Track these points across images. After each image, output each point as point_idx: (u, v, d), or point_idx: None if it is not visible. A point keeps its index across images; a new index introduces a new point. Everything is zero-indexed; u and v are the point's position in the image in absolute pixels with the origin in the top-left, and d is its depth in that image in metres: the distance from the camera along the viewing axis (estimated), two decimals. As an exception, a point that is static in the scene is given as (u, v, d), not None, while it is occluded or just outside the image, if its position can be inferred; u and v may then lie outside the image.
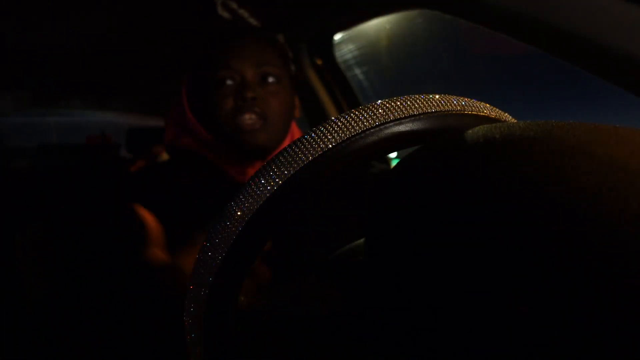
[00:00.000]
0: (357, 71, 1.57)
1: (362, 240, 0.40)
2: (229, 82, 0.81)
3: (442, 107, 0.32)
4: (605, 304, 0.17)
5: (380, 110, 0.30)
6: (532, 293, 0.19)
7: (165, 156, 0.93)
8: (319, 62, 1.45)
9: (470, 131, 0.26)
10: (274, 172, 0.29)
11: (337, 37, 1.42)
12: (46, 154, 2.63)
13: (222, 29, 0.87)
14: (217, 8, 0.86)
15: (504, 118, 0.35)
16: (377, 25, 1.47)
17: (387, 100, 0.31)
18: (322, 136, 0.29)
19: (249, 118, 0.80)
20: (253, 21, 0.88)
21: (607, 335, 0.17)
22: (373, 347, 0.30)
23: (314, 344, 0.37)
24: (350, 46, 1.52)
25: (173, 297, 0.60)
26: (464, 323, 0.21)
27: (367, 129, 0.30)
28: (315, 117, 1.50)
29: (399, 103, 0.31)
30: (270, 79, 0.83)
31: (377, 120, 0.30)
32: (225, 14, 0.86)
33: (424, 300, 0.23)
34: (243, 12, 0.86)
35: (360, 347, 0.34)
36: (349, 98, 1.47)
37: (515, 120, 0.36)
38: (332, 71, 1.47)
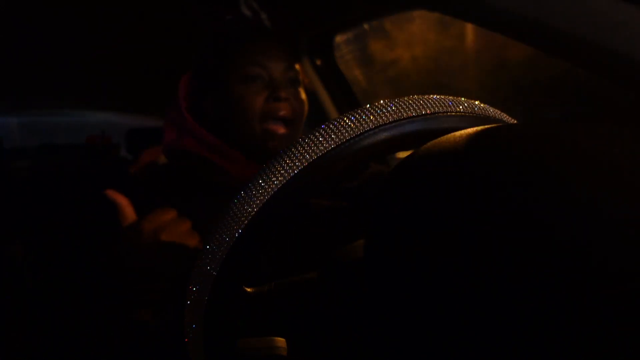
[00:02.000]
0: (357, 71, 1.57)
1: (362, 239, 0.40)
2: (258, 79, 0.81)
3: (444, 109, 0.32)
4: (604, 303, 0.17)
5: (385, 110, 0.30)
6: (532, 293, 0.19)
7: (162, 159, 0.93)
8: (319, 62, 1.45)
9: (470, 132, 0.26)
10: (282, 168, 0.29)
11: (337, 37, 1.42)
12: (46, 154, 2.63)
13: (242, 26, 0.87)
14: (241, 5, 0.86)
15: (504, 119, 0.35)
16: (377, 25, 1.47)
17: (392, 100, 0.31)
18: (332, 133, 0.30)
19: (278, 126, 0.80)
20: (268, 24, 0.88)
21: (607, 337, 0.17)
22: (373, 345, 0.30)
23: (314, 342, 0.37)
24: (350, 46, 1.52)
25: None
26: (463, 323, 0.21)
27: (370, 129, 0.30)
28: (315, 117, 1.49)
29: (403, 104, 0.31)
30: (296, 81, 0.85)
31: (380, 120, 0.30)
32: (247, 12, 0.86)
33: (423, 299, 0.23)
34: (263, 14, 0.87)
35: (360, 346, 0.34)
36: (349, 98, 1.47)
37: (515, 121, 0.36)
38: (332, 71, 1.46)
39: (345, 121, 0.30)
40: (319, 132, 0.30)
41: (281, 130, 0.81)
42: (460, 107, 0.32)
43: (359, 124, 0.30)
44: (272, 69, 0.81)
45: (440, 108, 0.31)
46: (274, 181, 0.29)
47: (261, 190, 0.29)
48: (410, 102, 0.31)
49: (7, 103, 2.52)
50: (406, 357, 0.25)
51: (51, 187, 1.86)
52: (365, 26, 1.36)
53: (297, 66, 0.86)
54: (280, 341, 0.36)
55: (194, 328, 0.32)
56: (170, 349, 0.63)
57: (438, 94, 0.33)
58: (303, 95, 0.86)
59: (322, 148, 0.29)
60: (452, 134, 0.28)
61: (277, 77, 0.82)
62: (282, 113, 0.80)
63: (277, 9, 0.88)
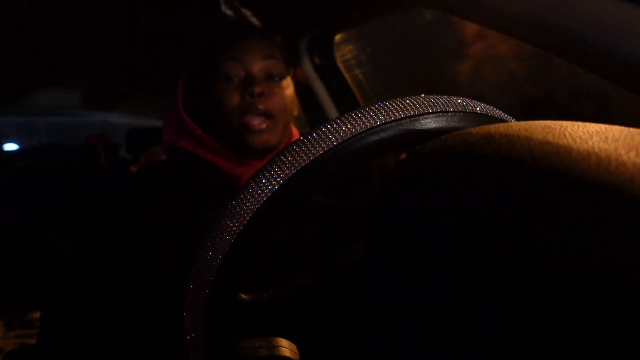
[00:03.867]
0: (357, 71, 1.57)
1: (361, 240, 0.40)
2: (234, 76, 0.81)
3: (444, 108, 0.32)
4: (604, 307, 0.17)
5: (382, 111, 0.30)
6: (532, 293, 0.19)
7: (162, 159, 0.93)
8: (319, 62, 1.45)
9: (470, 132, 0.26)
10: (275, 172, 0.29)
11: (337, 37, 1.42)
12: (46, 154, 2.63)
13: (226, 25, 0.88)
14: (221, 5, 0.86)
15: (504, 118, 0.35)
16: (377, 25, 1.47)
17: (390, 100, 0.31)
18: (324, 135, 0.29)
19: (256, 119, 0.79)
20: (255, 21, 0.88)
21: (607, 337, 0.17)
22: (373, 346, 0.30)
23: (314, 343, 0.37)
24: (350, 46, 1.52)
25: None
26: (463, 323, 0.21)
27: (367, 130, 0.30)
28: (315, 117, 1.50)
29: (402, 103, 0.31)
30: (275, 76, 0.83)
31: (377, 121, 0.30)
32: (229, 12, 0.86)
33: (423, 300, 0.23)
34: (245, 11, 0.87)
35: (360, 346, 0.34)
36: (349, 98, 1.47)
37: (515, 121, 0.36)
38: (332, 71, 1.47)
39: (341, 122, 0.30)
40: (311, 136, 0.30)
41: (260, 124, 0.80)
42: (460, 106, 0.32)
43: (356, 125, 0.30)
44: (249, 64, 0.81)
45: (440, 108, 0.31)
46: (267, 186, 0.29)
47: (253, 198, 0.29)
48: (409, 101, 0.31)
49: (7, 103, 2.52)
50: (406, 357, 0.25)
51: (51, 187, 1.86)
52: (365, 26, 1.36)
53: (280, 59, 0.85)
54: (281, 341, 0.36)
55: (193, 336, 0.32)
56: (171, 353, 0.63)
57: (438, 94, 0.33)
58: (285, 89, 0.85)
59: (314, 151, 0.29)
60: (452, 133, 0.28)
61: (253, 71, 0.81)
62: (258, 107, 0.79)
63: (275, 4, 0.88)
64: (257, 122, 0.79)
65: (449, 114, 0.32)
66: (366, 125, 0.30)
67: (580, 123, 0.24)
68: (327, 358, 0.37)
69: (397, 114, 0.30)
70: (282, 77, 0.85)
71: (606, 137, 0.22)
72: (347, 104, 1.46)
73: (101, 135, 2.76)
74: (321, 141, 0.29)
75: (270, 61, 0.83)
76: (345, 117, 0.30)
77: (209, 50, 0.86)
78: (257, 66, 0.82)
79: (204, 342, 0.32)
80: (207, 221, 0.69)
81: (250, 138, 0.80)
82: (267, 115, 0.80)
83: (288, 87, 0.86)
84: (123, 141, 2.51)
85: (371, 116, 0.30)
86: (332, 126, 0.30)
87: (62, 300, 0.73)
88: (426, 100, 0.31)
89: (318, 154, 0.29)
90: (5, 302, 1.55)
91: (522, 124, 0.25)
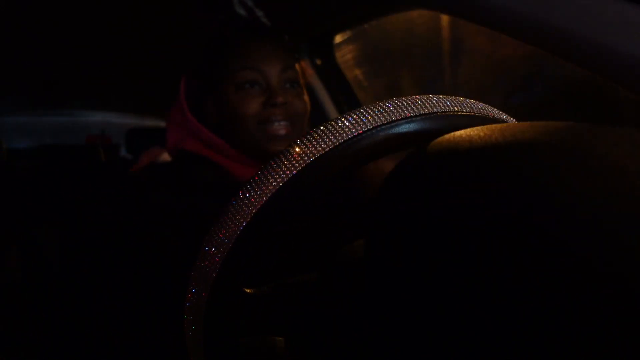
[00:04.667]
0: (357, 71, 1.57)
1: (362, 239, 0.40)
2: (252, 84, 0.80)
3: (444, 108, 0.32)
4: (604, 308, 0.17)
5: (386, 110, 0.30)
6: (532, 293, 0.19)
7: (163, 159, 0.92)
8: (319, 62, 1.45)
9: (469, 131, 0.26)
10: (285, 165, 0.29)
11: (337, 37, 1.42)
12: (46, 154, 2.63)
13: (236, 27, 0.86)
14: (234, 5, 0.85)
15: (505, 119, 0.35)
16: (377, 25, 1.47)
17: (395, 99, 0.31)
18: (330, 133, 0.30)
19: (279, 126, 0.79)
20: (267, 21, 0.87)
21: (606, 337, 0.17)
22: (373, 345, 0.30)
23: (314, 342, 0.37)
24: (350, 46, 1.52)
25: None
26: (463, 323, 0.21)
27: (364, 132, 0.30)
28: (315, 118, 1.50)
29: (403, 103, 0.31)
30: (293, 82, 0.83)
31: (379, 121, 0.30)
32: (242, 12, 0.85)
33: (423, 299, 0.23)
34: (259, 11, 0.85)
35: (360, 346, 0.34)
36: (349, 98, 1.47)
37: (516, 121, 0.36)
38: (332, 71, 1.47)
39: (343, 122, 0.30)
40: (317, 133, 0.30)
41: (283, 131, 0.80)
42: (459, 106, 0.32)
43: (357, 125, 0.30)
44: (267, 72, 0.80)
45: (439, 108, 0.31)
46: (271, 182, 0.29)
47: (259, 191, 0.29)
48: (409, 102, 0.31)
49: (7, 103, 2.53)
50: (406, 357, 0.25)
51: (51, 187, 1.85)
52: (365, 26, 1.36)
53: (295, 64, 0.84)
54: (281, 341, 0.36)
55: (194, 329, 0.32)
56: (171, 349, 0.63)
57: (438, 94, 0.33)
58: (302, 94, 0.85)
59: (320, 149, 0.29)
60: (452, 133, 0.28)
61: (273, 80, 0.80)
62: (280, 118, 0.79)
63: (275, 5, 0.87)
64: (277, 127, 0.80)
65: (449, 114, 0.32)
66: (367, 125, 0.30)
67: (583, 123, 0.24)
68: (326, 356, 0.37)
69: (397, 114, 0.30)
70: (298, 83, 0.84)
71: (607, 137, 0.22)
72: (347, 104, 1.46)
73: (101, 135, 2.76)
74: (332, 135, 0.29)
75: (289, 70, 0.82)
76: (346, 116, 0.30)
77: (219, 55, 0.84)
78: (276, 76, 0.81)
79: (205, 335, 0.32)
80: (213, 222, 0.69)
81: (271, 144, 0.80)
82: (289, 121, 0.81)
83: (304, 92, 0.86)
84: (123, 141, 2.51)
85: (373, 115, 0.30)
86: (335, 125, 0.30)
87: (63, 300, 0.73)
88: (425, 101, 0.32)
89: (322, 153, 0.29)
90: (4, 301, 1.55)
91: (523, 124, 0.25)
